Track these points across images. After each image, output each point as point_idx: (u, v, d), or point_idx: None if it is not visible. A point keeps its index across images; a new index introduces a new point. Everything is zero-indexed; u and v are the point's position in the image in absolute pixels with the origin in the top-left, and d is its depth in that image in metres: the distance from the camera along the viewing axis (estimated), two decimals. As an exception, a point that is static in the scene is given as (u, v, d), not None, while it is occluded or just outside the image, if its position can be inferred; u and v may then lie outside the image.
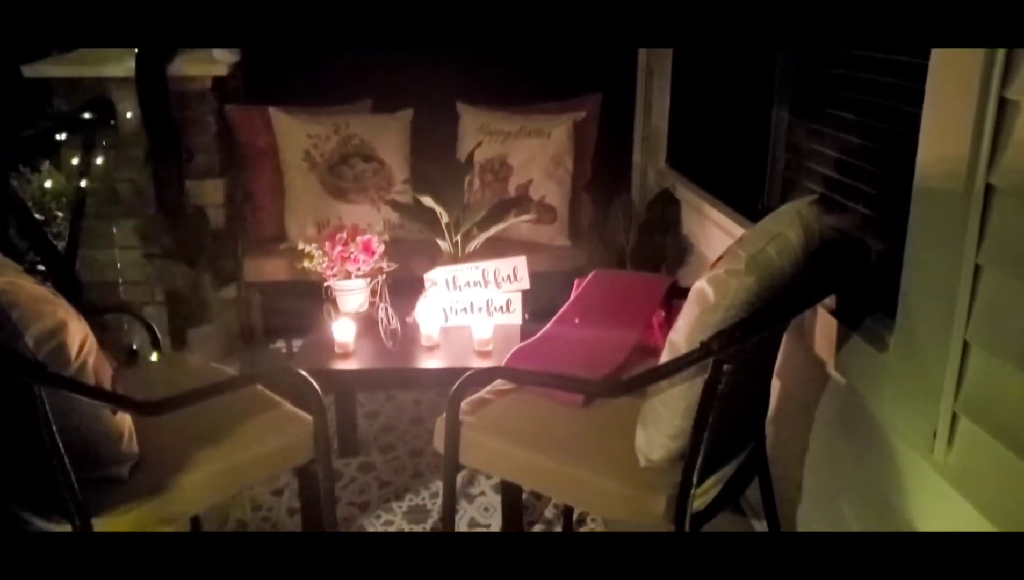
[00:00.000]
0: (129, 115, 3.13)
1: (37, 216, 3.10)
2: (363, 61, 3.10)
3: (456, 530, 2.37)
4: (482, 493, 2.63)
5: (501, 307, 2.63)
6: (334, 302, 2.68)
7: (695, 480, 1.65)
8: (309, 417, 2.00)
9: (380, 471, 2.76)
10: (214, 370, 2.25)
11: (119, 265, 3.25)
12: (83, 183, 3.03)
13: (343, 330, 2.49)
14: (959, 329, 1.47)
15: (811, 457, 2.05)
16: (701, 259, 2.93)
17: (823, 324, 1.97)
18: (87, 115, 3.05)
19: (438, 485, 2.65)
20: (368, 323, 2.62)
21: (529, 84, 3.40)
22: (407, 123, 3.33)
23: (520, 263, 2.64)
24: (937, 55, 1.51)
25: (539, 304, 2.61)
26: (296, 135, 3.23)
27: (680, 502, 1.67)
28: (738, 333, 1.54)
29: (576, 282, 2.43)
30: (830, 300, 1.94)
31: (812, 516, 2.07)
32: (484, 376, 2.08)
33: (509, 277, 2.64)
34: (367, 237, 2.70)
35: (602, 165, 3.47)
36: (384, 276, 2.68)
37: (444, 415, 1.96)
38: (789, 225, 1.65)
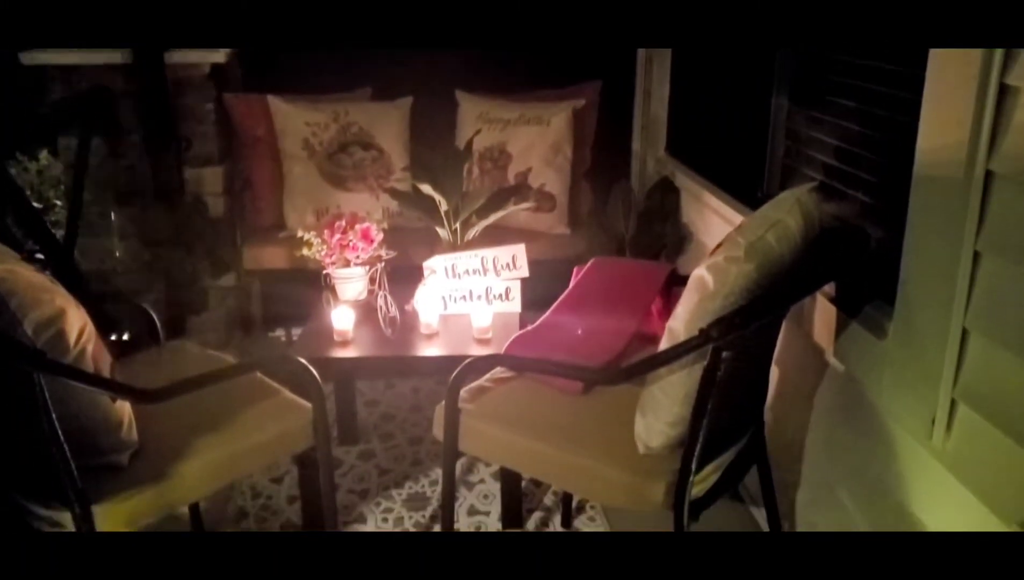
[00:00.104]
0: (127, 103, 3.12)
1: (35, 204, 3.10)
2: (362, 49, 3.09)
3: (455, 517, 2.38)
4: (481, 480, 2.63)
5: (500, 295, 2.63)
6: (333, 290, 2.68)
7: (694, 467, 1.65)
8: (308, 405, 2.00)
9: (380, 459, 2.77)
10: (213, 358, 2.25)
11: (117, 253, 3.25)
12: (81, 171, 3.02)
13: (342, 318, 2.49)
14: (958, 316, 1.47)
15: (810, 444, 2.06)
16: (700, 247, 2.93)
17: (822, 311, 1.97)
18: (84, 103, 3.04)
19: (437, 473, 2.65)
20: (367, 311, 2.62)
21: (528, 72, 3.39)
22: (406, 111, 3.32)
23: (519, 251, 2.64)
24: (937, 41, 1.51)
25: (538, 292, 2.61)
26: (295, 123, 3.22)
27: (679, 489, 1.68)
28: (737, 320, 1.54)
29: (575, 270, 2.43)
30: (829, 287, 1.94)
31: (811, 503, 2.08)
32: (483, 364, 2.08)
33: (508, 265, 2.64)
34: (366, 225, 2.70)
35: (601, 153, 3.46)
36: (383, 264, 2.68)
37: (443, 403, 1.96)
38: (789, 212, 1.65)
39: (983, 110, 1.38)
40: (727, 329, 1.53)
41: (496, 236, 2.81)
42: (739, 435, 1.88)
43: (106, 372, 1.74)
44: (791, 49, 2.66)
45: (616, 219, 3.18)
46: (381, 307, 2.56)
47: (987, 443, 1.42)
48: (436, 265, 2.64)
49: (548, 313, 2.30)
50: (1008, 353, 1.38)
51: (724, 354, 1.56)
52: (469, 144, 3.00)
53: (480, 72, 3.29)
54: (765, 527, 2.06)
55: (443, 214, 2.78)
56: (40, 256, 2.77)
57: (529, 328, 2.27)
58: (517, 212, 2.99)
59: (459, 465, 2.64)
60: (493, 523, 2.44)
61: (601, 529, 2.41)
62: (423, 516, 2.48)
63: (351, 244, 2.65)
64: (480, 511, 2.50)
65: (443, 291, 2.62)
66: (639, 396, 1.76)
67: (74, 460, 1.58)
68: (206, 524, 2.31)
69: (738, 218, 2.47)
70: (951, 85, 1.46)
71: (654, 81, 3.44)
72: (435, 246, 2.82)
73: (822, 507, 2.02)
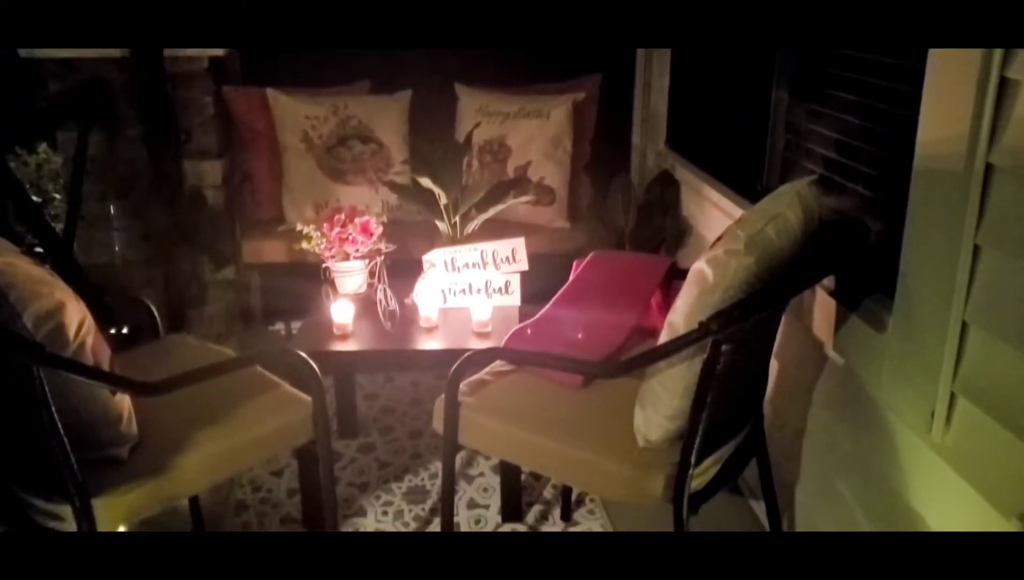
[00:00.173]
0: (126, 96, 3.11)
1: (34, 198, 3.09)
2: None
3: (455, 511, 2.39)
4: (481, 474, 2.64)
5: (500, 288, 2.63)
6: (332, 283, 2.68)
7: (693, 460, 1.65)
8: (308, 398, 2.00)
9: (379, 452, 2.77)
10: (213, 351, 2.25)
11: (117, 247, 3.25)
12: (80, 165, 3.02)
13: (342, 311, 2.49)
14: (958, 309, 1.47)
15: (809, 437, 2.06)
16: (700, 240, 2.93)
17: (822, 305, 1.97)
18: (83, 96, 3.03)
19: (437, 466, 2.66)
20: (367, 304, 2.62)
21: (528, 65, 3.39)
22: (405, 104, 3.31)
23: (519, 244, 2.64)
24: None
25: (538, 286, 2.61)
26: (294, 116, 3.22)
27: (678, 482, 1.68)
28: (737, 313, 1.54)
29: (575, 263, 2.43)
30: (829, 281, 1.94)
31: (810, 496, 2.08)
32: (483, 357, 2.08)
33: (508, 258, 2.64)
34: (365, 218, 2.70)
35: (601, 146, 3.46)
36: (382, 257, 2.68)
37: (443, 396, 1.96)
38: (788, 206, 1.64)
39: (983, 103, 1.38)
40: (727, 322, 1.53)
41: (496, 230, 2.81)
42: (738, 428, 1.88)
43: (106, 365, 1.74)
44: (791, 48, 2.66)
45: (616, 213, 3.18)
46: (380, 301, 2.56)
47: (986, 436, 1.42)
48: (435, 259, 2.63)
49: (548, 307, 2.30)
50: (1008, 347, 1.38)
51: (724, 347, 1.56)
52: (468, 137, 3.00)
53: (480, 65, 3.29)
54: (764, 520, 2.07)
55: (442, 207, 2.77)
56: (39, 249, 2.78)
57: (529, 321, 2.27)
58: (517, 205, 2.99)
59: (459, 458, 2.64)
60: (493, 516, 2.45)
61: (600, 522, 2.42)
62: (423, 509, 2.49)
63: (350, 237, 2.65)
64: (480, 504, 2.50)
65: (442, 285, 2.62)
66: (639, 389, 1.76)
67: (74, 453, 1.58)
68: (206, 517, 2.31)
69: (738, 211, 2.47)
70: (951, 78, 1.46)
71: (654, 74, 3.44)
72: (434, 240, 2.82)
73: (821, 500, 2.02)
